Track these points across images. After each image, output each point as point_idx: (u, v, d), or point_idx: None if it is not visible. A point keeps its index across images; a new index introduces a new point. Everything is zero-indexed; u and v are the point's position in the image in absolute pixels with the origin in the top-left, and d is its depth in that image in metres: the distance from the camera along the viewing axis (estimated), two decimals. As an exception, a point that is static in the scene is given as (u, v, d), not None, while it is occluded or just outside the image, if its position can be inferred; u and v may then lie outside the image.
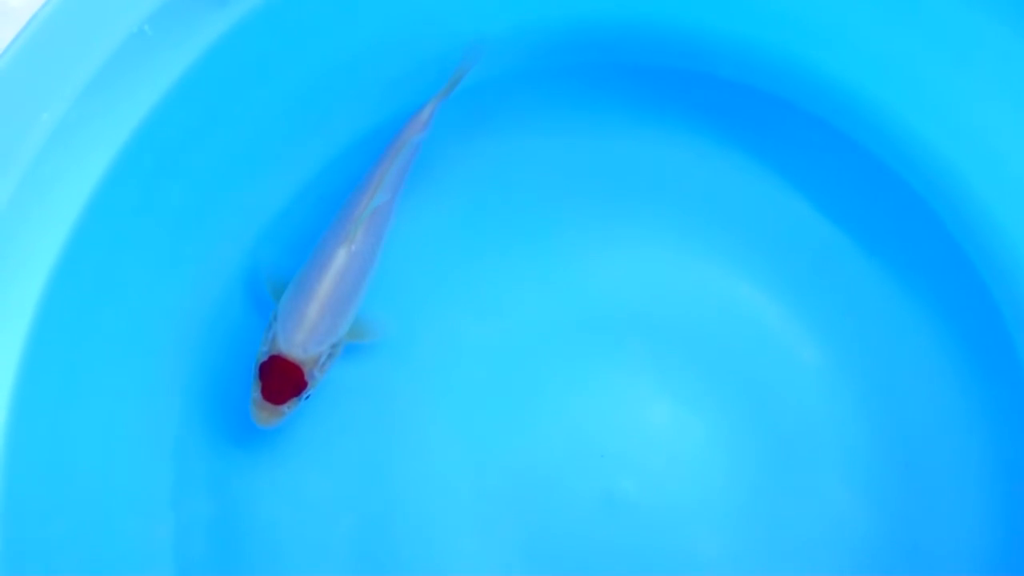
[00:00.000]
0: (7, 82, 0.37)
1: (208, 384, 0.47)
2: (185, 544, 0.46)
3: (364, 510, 0.47)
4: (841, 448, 0.48)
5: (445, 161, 0.50)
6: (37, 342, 0.39)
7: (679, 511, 0.48)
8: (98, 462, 0.44)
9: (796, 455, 0.48)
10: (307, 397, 0.44)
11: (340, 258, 0.44)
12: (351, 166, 0.48)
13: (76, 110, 0.38)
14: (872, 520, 0.47)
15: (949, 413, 0.48)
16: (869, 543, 0.47)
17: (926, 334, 0.49)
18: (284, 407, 0.43)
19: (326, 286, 0.44)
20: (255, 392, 0.43)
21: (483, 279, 0.49)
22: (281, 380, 0.43)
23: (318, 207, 0.48)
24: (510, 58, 0.48)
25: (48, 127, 0.38)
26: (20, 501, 0.39)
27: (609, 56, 0.49)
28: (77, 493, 0.43)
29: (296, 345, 0.43)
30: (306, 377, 0.43)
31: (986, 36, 0.42)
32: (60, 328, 0.40)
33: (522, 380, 0.49)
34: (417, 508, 0.47)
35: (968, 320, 0.48)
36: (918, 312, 0.49)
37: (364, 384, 0.48)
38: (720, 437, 0.48)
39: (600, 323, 0.49)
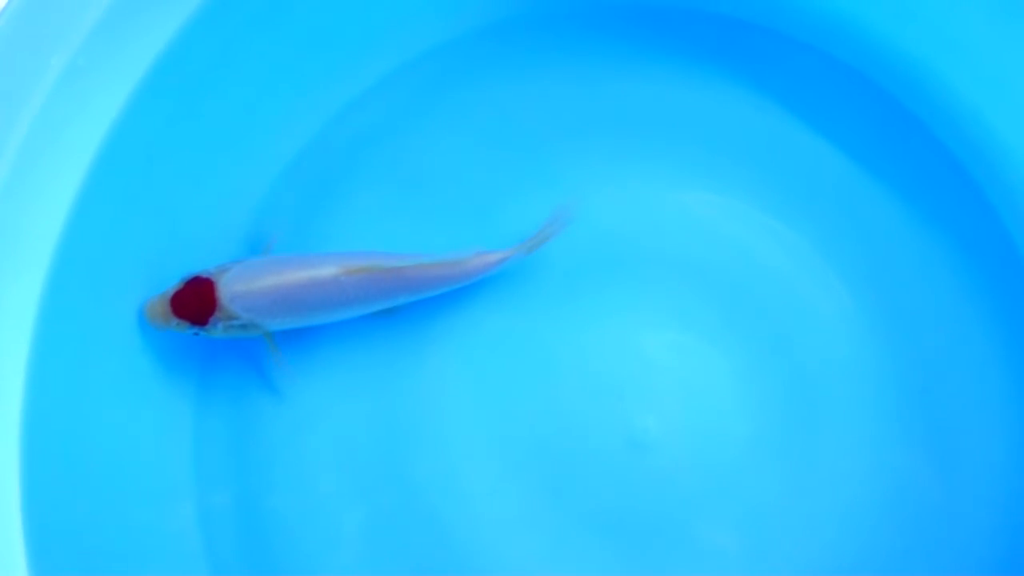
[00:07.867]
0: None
1: (225, 366, 0.48)
2: (211, 526, 0.46)
3: (385, 463, 0.47)
4: (859, 379, 0.48)
5: (456, 103, 0.50)
6: (49, 314, 0.40)
7: (700, 448, 0.47)
8: (116, 444, 0.44)
9: (814, 387, 0.48)
10: (195, 334, 0.44)
11: (326, 271, 0.44)
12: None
13: (84, 53, 0.39)
14: (894, 449, 0.47)
15: (966, 341, 0.48)
16: (892, 472, 0.47)
17: (941, 265, 0.48)
18: (175, 320, 0.44)
19: (294, 278, 0.44)
20: (170, 288, 0.44)
21: (494, 220, 0.49)
22: (196, 300, 0.44)
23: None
24: (519, 2, 0.49)
25: (57, 71, 0.39)
26: (41, 483, 0.39)
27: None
28: (97, 477, 0.43)
29: (230, 289, 0.44)
30: (210, 318, 0.44)
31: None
32: (72, 296, 0.41)
33: (535, 321, 0.48)
34: (440, 461, 0.47)
35: (983, 252, 0.48)
36: (933, 244, 0.49)
37: (379, 332, 0.48)
38: (738, 372, 0.48)
39: (615, 262, 0.49)
